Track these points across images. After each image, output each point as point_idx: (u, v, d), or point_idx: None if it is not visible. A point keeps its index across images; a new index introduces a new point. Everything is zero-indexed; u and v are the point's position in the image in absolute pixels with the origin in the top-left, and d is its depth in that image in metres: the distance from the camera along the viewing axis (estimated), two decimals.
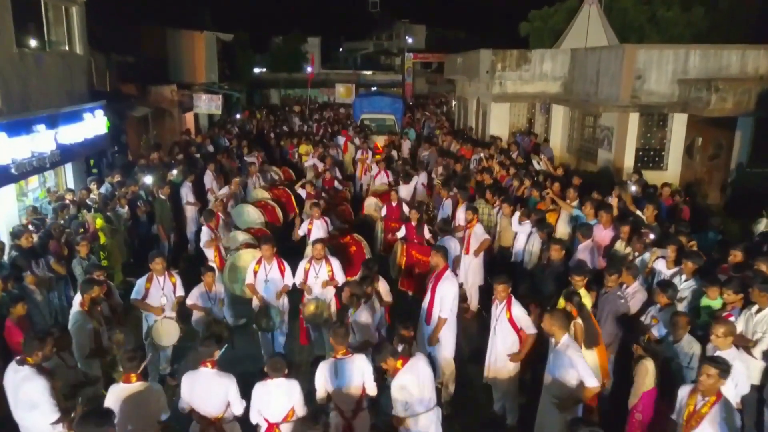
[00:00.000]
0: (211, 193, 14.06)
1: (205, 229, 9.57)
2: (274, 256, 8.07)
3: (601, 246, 8.64)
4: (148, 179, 11.92)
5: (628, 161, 16.36)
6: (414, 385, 5.21)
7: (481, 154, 15.34)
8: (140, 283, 7.68)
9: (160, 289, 7.67)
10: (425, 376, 5.31)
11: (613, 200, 8.87)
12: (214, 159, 16.41)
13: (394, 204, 12.32)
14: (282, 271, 8.06)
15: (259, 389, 5.23)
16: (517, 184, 12.52)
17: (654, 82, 15.80)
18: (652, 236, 7.75)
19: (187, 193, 12.84)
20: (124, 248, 10.56)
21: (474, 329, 9.58)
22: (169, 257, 11.85)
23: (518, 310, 6.50)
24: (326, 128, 27.08)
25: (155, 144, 16.00)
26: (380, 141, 21.01)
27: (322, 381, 5.36)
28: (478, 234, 9.68)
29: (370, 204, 13.53)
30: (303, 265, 8.16)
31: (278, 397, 5.18)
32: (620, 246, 8.34)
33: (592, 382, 5.30)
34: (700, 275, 6.93)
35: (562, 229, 10.02)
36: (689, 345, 5.73)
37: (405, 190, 13.61)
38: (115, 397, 4.97)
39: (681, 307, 6.57)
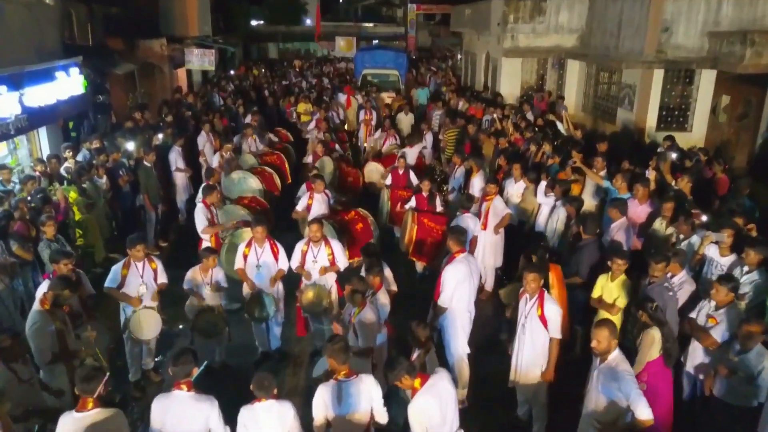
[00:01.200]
0: (203, 156, 13.07)
1: (200, 206, 8.54)
2: (267, 238, 7.12)
3: (636, 224, 7.66)
4: (131, 145, 10.84)
5: (651, 121, 15.23)
6: (435, 408, 4.32)
7: (494, 115, 14.18)
8: (116, 269, 6.75)
9: (139, 277, 6.75)
10: (448, 397, 4.42)
11: (650, 173, 7.84)
12: (208, 119, 15.35)
13: (401, 171, 11.30)
14: (275, 254, 7.13)
15: (246, 415, 4.33)
16: (535, 149, 11.46)
17: (682, 34, 14.53)
18: (704, 218, 6.74)
19: (176, 159, 11.81)
20: (105, 222, 9.60)
21: (488, 313, 8.70)
22: (157, 229, 11.03)
23: (552, 309, 5.58)
24: (325, 84, 25.83)
25: (141, 104, 14.82)
26: (387, 99, 19.69)
27: (322, 407, 4.45)
28: (498, 208, 8.70)
29: (371, 170, 12.51)
30: (300, 246, 7.22)
31: (268, 423, 4.29)
32: (660, 225, 7.36)
33: (646, 414, 4.39)
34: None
35: (588, 203, 9.04)
36: (759, 357, 4.83)
37: (411, 154, 12.56)
38: (65, 429, 4.07)
39: (742, 305, 5.64)
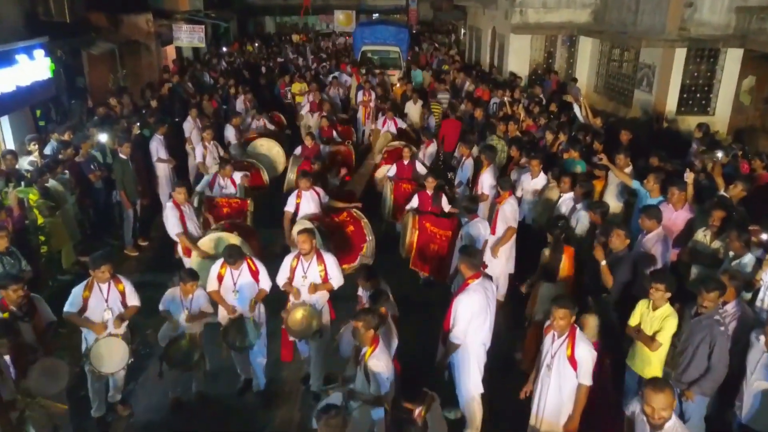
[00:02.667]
0: (189, 144, 12.07)
1: (169, 206, 7.58)
2: (245, 258, 6.19)
3: (672, 233, 6.70)
4: (104, 136, 9.82)
5: (671, 104, 14.20)
6: None
7: (505, 98, 13.10)
8: (76, 292, 5.82)
9: (103, 300, 5.83)
10: None
11: (688, 176, 6.84)
12: (198, 102, 14.30)
13: (406, 162, 10.31)
14: (255, 274, 6.19)
15: None
16: (551, 139, 10.44)
17: (707, 10, 13.47)
18: (765, 236, 5.77)
19: (157, 148, 10.82)
20: (73, 224, 8.65)
21: (500, 326, 7.79)
22: (136, 227, 10.08)
23: (584, 350, 4.66)
24: (322, 61, 24.63)
25: (121, 87, 13.73)
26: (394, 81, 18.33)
27: None
28: (507, 214, 7.70)
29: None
30: (288, 260, 6.28)
31: None
32: (703, 237, 6.40)
33: None
34: None
35: (611, 205, 8.11)
36: None
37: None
38: None
39: None
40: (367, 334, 4.61)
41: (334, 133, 12.91)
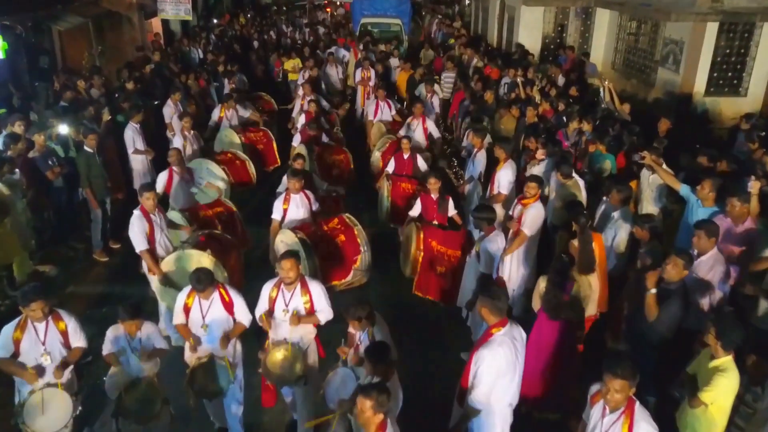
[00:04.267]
0: (170, 131, 10.87)
1: (136, 215, 6.41)
2: (216, 286, 5.07)
3: (731, 252, 5.57)
4: (64, 127, 8.61)
5: (699, 85, 12.95)
6: None
7: (518, 79, 11.82)
8: (6, 332, 4.74)
9: (39, 343, 4.76)
10: None
11: (753, 186, 5.66)
12: (182, 84, 13.02)
13: (405, 156, 9.14)
14: (228, 305, 5.08)
15: None
16: (575, 128, 9.24)
17: None
18: None
19: (133, 138, 9.61)
20: (26, 232, 7.50)
21: None
22: (106, 227, 8.94)
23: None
24: (320, 35, 23.19)
25: (94, 68, 12.41)
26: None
27: None
28: (531, 219, 6.54)
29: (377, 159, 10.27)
30: (267, 289, 5.17)
31: None
32: None
33: None
34: None
35: (645, 209, 7.01)
36: None
37: (417, 132, 10.31)
38: None
39: None
40: (375, 419, 3.49)
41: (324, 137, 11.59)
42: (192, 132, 9.77)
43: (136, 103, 10.42)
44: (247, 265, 7.38)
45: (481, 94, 11.66)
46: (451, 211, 7.57)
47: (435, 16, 25.05)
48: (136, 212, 6.35)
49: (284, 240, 6.51)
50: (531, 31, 17.23)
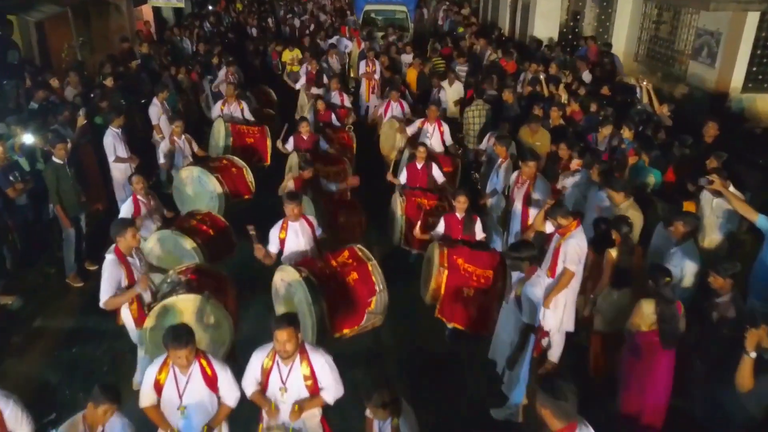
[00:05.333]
0: (158, 133, 9.81)
1: (110, 260, 5.28)
2: (197, 356, 4.03)
3: None
4: (29, 137, 7.52)
5: (737, 80, 11.84)
6: None
7: (541, 76, 10.70)
8: None
9: None
10: None
11: None
12: (172, 80, 11.92)
13: (419, 165, 8.08)
14: (211, 381, 4.05)
15: None
16: (608, 133, 8.16)
17: None
18: None
19: (114, 145, 8.53)
20: None
21: None
22: (81, 247, 7.87)
23: None
24: (322, 21, 22.01)
25: (77, 63, 11.22)
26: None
27: None
28: (572, 251, 5.49)
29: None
30: (259, 359, 4.13)
31: None
32: None
33: None
34: None
35: (708, 240, 5.96)
36: None
37: (433, 136, 9.24)
38: None
39: None
40: None
41: (333, 117, 10.57)
42: (183, 137, 8.69)
43: (116, 105, 9.36)
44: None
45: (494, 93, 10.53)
46: (479, 234, 6.54)
47: (442, 3, 23.76)
48: (110, 257, 5.26)
49: (285, 278, 5.47)
50: (547, 20, 16.08)
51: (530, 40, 15.72)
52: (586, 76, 11.14)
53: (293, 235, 5.81)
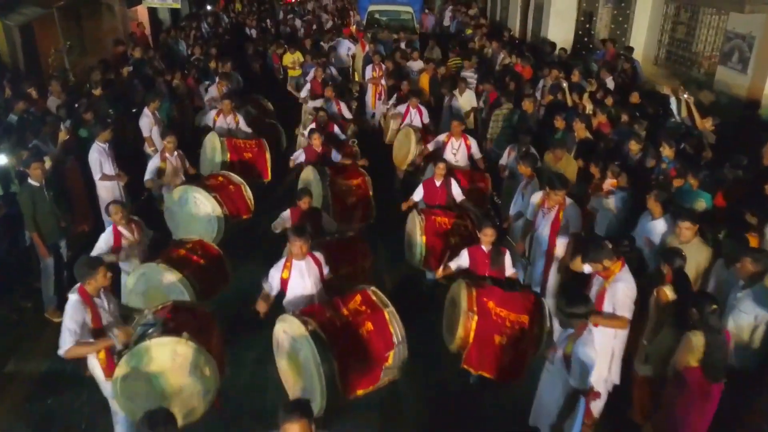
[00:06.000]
0: (150, 146, 9.06)
1: (73, 300, 4.54)
2: None
3: None
4: (1, 157, 6.75)
5: None
6: None
7: (564, 84, 9.90)
8: None
9: None
10: None
11: None
12: (167, 86, 11.17)
13: (438, 183, 7.33)
14: None
15: None
16: (638, 148, 7.39)
17: None
18: None
19: (100, 161, 7.77)
20: None
21: None
22: (63, 278, 7.09)
23: None
24: (323, 22, 21.23)
25: (59, 72, 10.42)
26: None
27: None
28: (619, 297, 4.77)
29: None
30: None
31: None
32: None
33: None
34: None
35: None
36: None
37: (459, 151, 8.48)
38: None
39: None
40: None
41: (336, 129, 9.76)
42: (176, 153, 7.91)
43: (103, 115, 8.60)
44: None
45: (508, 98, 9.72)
46: (509, 270, 5.77)
47: (448, 3, 22.95)
48: (74, 297, 4.53)
49: (289, 331, 4.70)
50: (563, 21, 15.26)
51: (544, 42, 14.92)
52: (610, 83, 10.36)
53: (298, 276, 5.04)
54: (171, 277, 5.63)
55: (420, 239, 6.78)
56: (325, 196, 7.56)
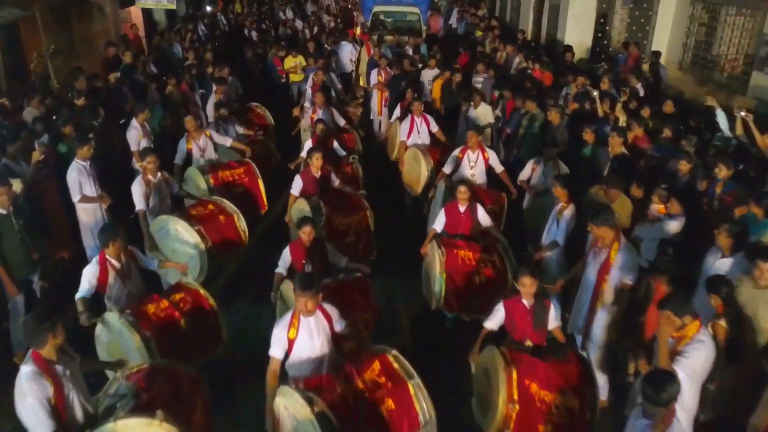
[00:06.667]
0: (138, 161, 8.14)
1: (27, 372, 3.74)
2: None
3: None
4: None
5: None
6: None
7: (594, 93, 9.02)
8: None
9: None
10: None
11: None
12: (160, 93, 10.33)
13: (462, 208, 6.46)
14: None
15: None
16: (687, 168, 6.53)
17: None
18: None
19: (79, 182, 6.88)
20: None
21: None
22: (38, 310, 6.21)
23: None
24: (325, 23, 20.39)
25: (42, 78, 9.53)
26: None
27: None
28: (702, 361, 3.93)
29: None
30: None
31: None
32: None
33: None
34: None
35: None
36: None
37: (477, 165, 7.60)
38: None
39: None
40: None
41: (335, 144, 8.81)
42: (160, 175, 6.99)
43: (84, 128, 7.73)
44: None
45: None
46: (552, 323, 4.86)
47: (455, 3, 22.06)
48: (28, 370, 3.69)
49: (291, 409, 3.79)
50: (580, 23, 14.40)
51: (560, 45, 14.07)
52: (640, 91, 9.50)
53: (306, 336, 4.15)
54: (131, 338, 4.74)
55: (440, 277, 5.93)
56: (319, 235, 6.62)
